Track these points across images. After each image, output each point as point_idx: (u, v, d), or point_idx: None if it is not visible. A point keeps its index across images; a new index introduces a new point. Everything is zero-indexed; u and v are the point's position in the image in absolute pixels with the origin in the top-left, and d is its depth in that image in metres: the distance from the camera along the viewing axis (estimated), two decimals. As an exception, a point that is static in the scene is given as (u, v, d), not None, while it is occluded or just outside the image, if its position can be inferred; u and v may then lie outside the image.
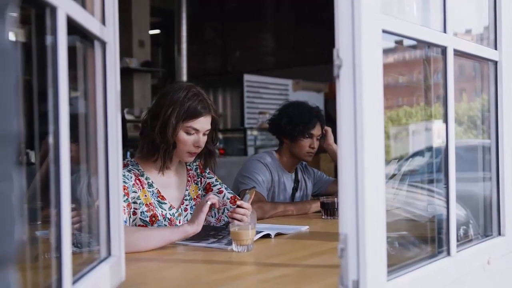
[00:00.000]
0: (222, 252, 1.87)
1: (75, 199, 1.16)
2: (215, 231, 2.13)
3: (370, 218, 1.15)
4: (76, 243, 1.33)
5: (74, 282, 1.09)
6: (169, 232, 1.95)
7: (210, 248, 1.92)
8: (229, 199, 2.34)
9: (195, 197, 2.35)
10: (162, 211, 2.19)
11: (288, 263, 1.73)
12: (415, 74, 2.03)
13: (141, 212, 2.14)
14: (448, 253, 1.50)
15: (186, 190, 2.33)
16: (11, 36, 0.58)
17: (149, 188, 2.20)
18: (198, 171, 2.40)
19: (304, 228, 2.34)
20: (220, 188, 2.38)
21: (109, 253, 1.36)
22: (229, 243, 1.91)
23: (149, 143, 2.18)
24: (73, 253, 1.06)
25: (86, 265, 1.25)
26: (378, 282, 1.19)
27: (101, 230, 1.35)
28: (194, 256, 1.81)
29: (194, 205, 2.32)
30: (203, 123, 2.19)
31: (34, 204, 1.45)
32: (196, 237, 2.03)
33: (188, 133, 2.17)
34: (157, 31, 10.11)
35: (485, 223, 1.86)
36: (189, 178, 2.36)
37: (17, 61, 0.58)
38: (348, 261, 1.16)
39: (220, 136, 7.75)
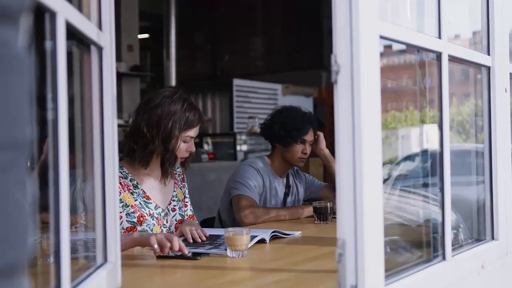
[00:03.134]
0: (217, 257, 1.86)
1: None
2: (211, 240, 2.12)
3: (368, 223, 1.15)
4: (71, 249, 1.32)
5: (72, 288, 1.08)
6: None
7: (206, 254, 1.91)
8: (187, 216, 2.42)
9: (181, 199, 2.43)
10: (149, 211, 2.24)
11: (283, 268, 1.73)
12: (404, 78, 2.04)
13: (127, 214, 2.18)
14: (444, 258, 1.51)
15: (174, 191, 2.40)
16: (25, 43, 0.58)
17: (135, 189, 2.24)
18: (180, 178, 2.49)
19: (298, 234, 2.34)
20: (187, 202, 2.49)
21: (105, 260, 1.35)
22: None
23: (149, 153, 2.23)
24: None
25: (83, 271, 1.24)
26: (376, 287, 1.19)
27: (97, 237, 1.35)
28: (189, 262, 1.80)
29: (181, 207, 2.41)
30: (197, 130, 2.31)
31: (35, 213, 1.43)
32: (193, 245, 2.02)
33: (185, 142, 2.27)
34: (146, 35, 10.08)
35: (479, 227, 1.87)
36: (175, 181, 2.43)
37: (30, 68, 0.58)
38: (346, 266, 1.16)
39: (209, 140, 7.73)
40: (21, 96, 0.56)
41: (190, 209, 2.50)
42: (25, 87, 0.57)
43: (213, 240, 2.11)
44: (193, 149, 2.31)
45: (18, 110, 0.56)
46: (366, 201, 1.15)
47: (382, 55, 1.52)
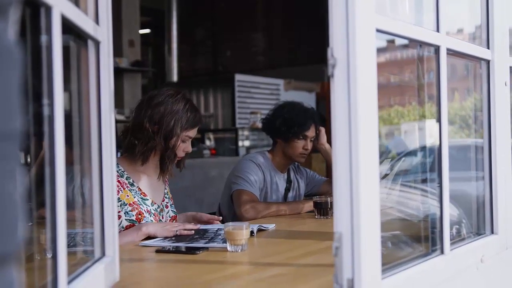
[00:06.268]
0: (216, 252, 1.86)
1: (67, 200, 1.16)
2: (199, 234, 2.12)
3: (365, 217, 1.15)
4: (69, 243, 1.33)
5: (69, 282, 1.08)
6: (131, 238, 2.07)
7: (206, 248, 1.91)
8: (170, 217, 2.43)
9: (171, 197, 2.48)
10: (146, 207, 2.27)
11: (282, 262, 1.73)
12: (407, 73, 2.04)
13: (125, 213, 2.20)
14: (442, 252, 1.51)
15: (165, 189, 2.45)
16: (14, 35, 0.58)
17: (131, 187, 2.27)
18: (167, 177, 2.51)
19: (272, 226, 2.36)
20: (171, 202, 2.50)
21: (103, 254, 1.35)
22: (226, 241, 1.90)
23: (149, 149, 2.26)
24: (67, 253, 1.06)
25: (81, 266, 1.24)
26: (373, 281, 1.19)
27: (95, 231, 1.35)
28: (189, 256, 1.81)
29: (172, 204, 2.45)
30: (196, 131, 2.36)
31: (26, 205, 1.44)
32: (187, 240, 2.02)
33: (183, 141, 2.30)
34: (147, 31, 10.09)
35: (478, 221, 1.86)
36: (166, 180, 2.47)
37: (20, 61, 0.59)
38: (342, 260, 1.16)
39: (211, 136, 7.74)
40: (10, 88, 0.56)
41: (172, 210, 2.52)
42: (15, 80, 0.57)
43: (203, 234, 2.11)
44: (190, 149, 2.35)
45: (8, 102, 0.56)
46: (363, 194, 1.15)
47: (385, 49, 1.52)
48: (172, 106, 2.25)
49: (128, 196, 2.23)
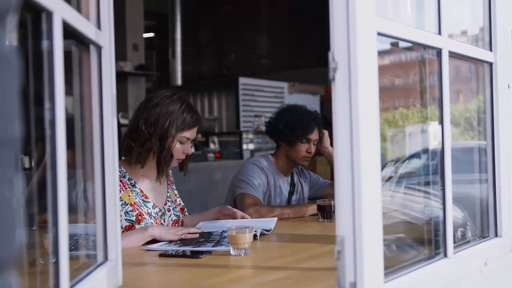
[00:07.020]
0: (219, 255, 1.86)
1: (70, 204, 1.16)
2: (204, 238, 2.12)
3: (367, 220, 1.15)
4: (71, 247, 1.33)
5: (71, 286, 1.08)
6: (136, 240, 2.05)
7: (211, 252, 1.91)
8: (172, 221, 2.43)
9: (174, 200, 2.47)
10: (147, 210, 2.28)
11: (285, 266, 1.73)
12: (411, 76, 2.04)
13: (125, 213, 2.21)
14: (445, 255, 1.51)
15: (168, 192, 2.44)
16: (12, 41, 0.59)
17: (133, 188, 2.28)
18: (172, 179, 2.52)
19: (274, 221, 2.38)
20: (178, 199, 2.52)
21: (106, 258, 1.36)
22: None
23: (146, 151, 2.26)
24: (70, 258, 1.06)
25: (83, 270, 1.24)
26: (375, 284, 1.19)
27: (98, 235, 1.35)
28: (192, 260, 1.80)
29: (174, 207, 2.44)
30: (195, 132, 2.34)
31: (30, 209, 1.44)
32: (192, 244, 2.02)
33: (181, 142, 2.30)
34: (151, 34, 10.09)
35: (482, 224, 1.86)
36: (169, 182, 2.48)
37: (18, 67, 0.59)
38: (345, 263, 1.16)
39: (216, 139, 7.74)
40: (8, 94, 0.56)
41: (179, 205, 2.53)
42: (13, 86, 0.58)
43: (208, 238, 2.11)
44: (189, 151, 2.34)
45: (6, 108, 0.56)
46: (364, 198, 1.15)
47: (389, 52, 1.51)
48: (167, 107, 2.26)
49: (129, 196, 2.24)
